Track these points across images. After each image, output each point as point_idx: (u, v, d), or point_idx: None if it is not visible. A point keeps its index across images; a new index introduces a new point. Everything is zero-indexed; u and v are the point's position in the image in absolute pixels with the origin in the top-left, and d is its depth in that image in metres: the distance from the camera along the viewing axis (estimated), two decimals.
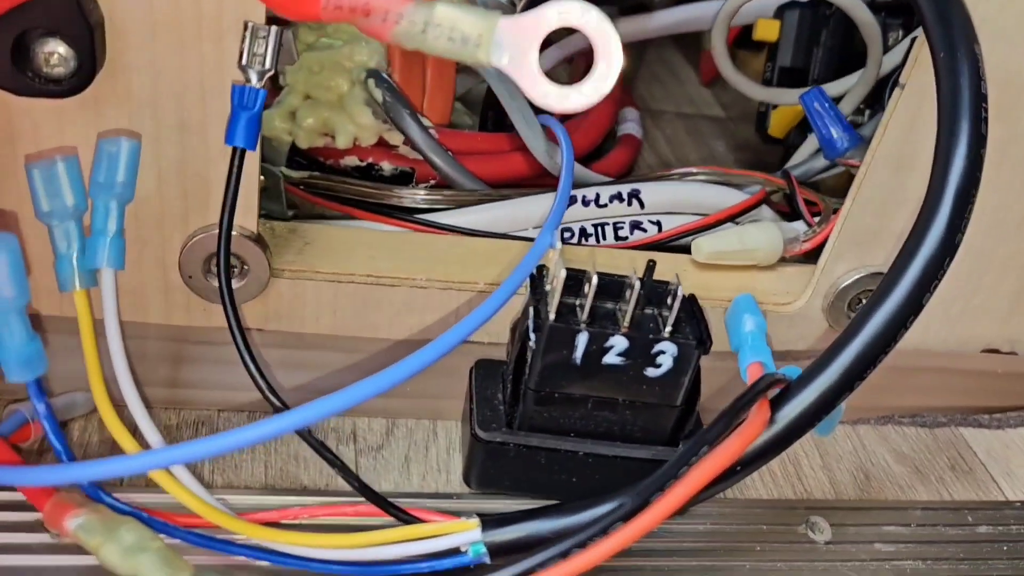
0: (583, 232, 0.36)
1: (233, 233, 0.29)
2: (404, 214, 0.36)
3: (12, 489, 0.27)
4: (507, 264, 0.33)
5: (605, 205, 0.36)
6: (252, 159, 0.28)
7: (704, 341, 0.28)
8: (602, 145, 0.46)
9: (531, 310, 0.28)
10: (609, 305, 0.28)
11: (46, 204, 0.26)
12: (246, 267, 0.30)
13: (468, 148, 0.40)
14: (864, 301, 0.34)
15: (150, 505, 0.27)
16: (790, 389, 0.25)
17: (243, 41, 0.26)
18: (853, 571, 0.30)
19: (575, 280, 0.28)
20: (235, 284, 0.30)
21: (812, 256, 0.36)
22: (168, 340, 0.31)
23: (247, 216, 0.29)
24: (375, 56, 0.39)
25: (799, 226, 0.37)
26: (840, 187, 0.41)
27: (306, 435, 0.26)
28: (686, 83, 0.57)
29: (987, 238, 0.34)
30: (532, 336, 0.28)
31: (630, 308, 0.27)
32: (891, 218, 0.32)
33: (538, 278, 0.29)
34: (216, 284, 0.30)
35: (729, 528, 0.31)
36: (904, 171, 0.32)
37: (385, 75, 0.38)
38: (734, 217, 0.37)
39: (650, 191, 0.37)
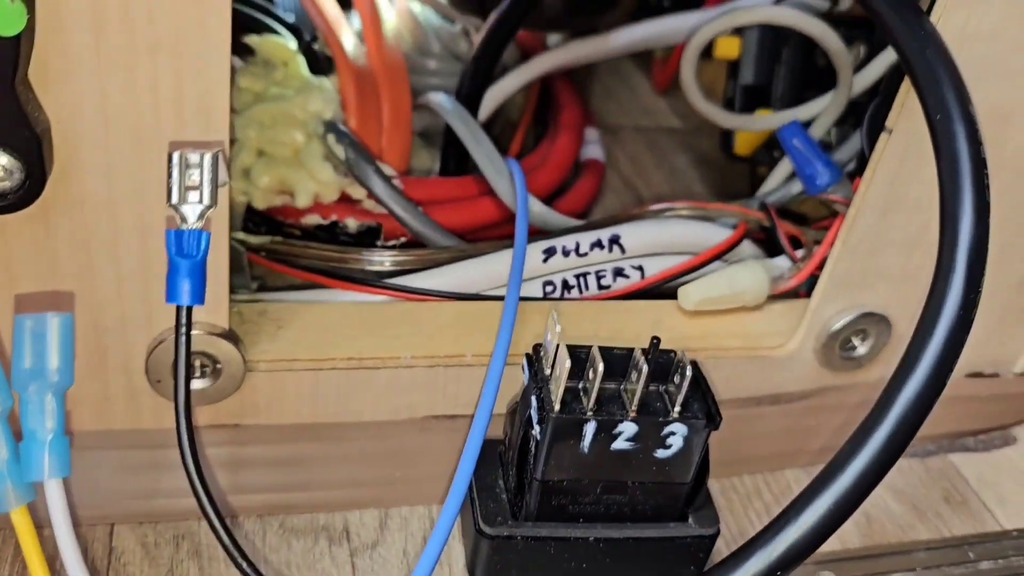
0: (565, 284, 0.35)
1: (202, 333, 0.27)
2: (375, 278, 0.34)
3: None
4: (494, 329, 0.31)
5: (585, 254, 0.35)
6: (220, 237, 0.25)
7: (714, 416, 0.27)
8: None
9: (533, 399, 0.26)
10: (613, 385, 0.27)
11: None
12: (219, 365, 0.28)
13: (434, 196, 0.38)
14: (853, 341, 0.34)
15: None
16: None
17: (170, 174, 0.22)
18: None
19: (575, 358, 0.26)
20: (206, 384, 0.28)
21: (798, 291, 0.35)
22: (137, 447, 0.29)
23: (217, 312, 0.27)
24: (330, 105, 0.37)
25: (782, 262, 0.36)
26: (817, 214, 0.40)
27: None
28: (639, 93, 0.55)
29: None
30: (536, 428, 0.26)
31: (638, 391, 0.26)
32: (881, 259, 0.32)
33: (535, 359, 0.27)
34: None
35: None
36: (892, 213, 0.31)
37: (343, 127, 0.36)
38: (716, 258, 0.36)
39: (630, 234, 0.35)
